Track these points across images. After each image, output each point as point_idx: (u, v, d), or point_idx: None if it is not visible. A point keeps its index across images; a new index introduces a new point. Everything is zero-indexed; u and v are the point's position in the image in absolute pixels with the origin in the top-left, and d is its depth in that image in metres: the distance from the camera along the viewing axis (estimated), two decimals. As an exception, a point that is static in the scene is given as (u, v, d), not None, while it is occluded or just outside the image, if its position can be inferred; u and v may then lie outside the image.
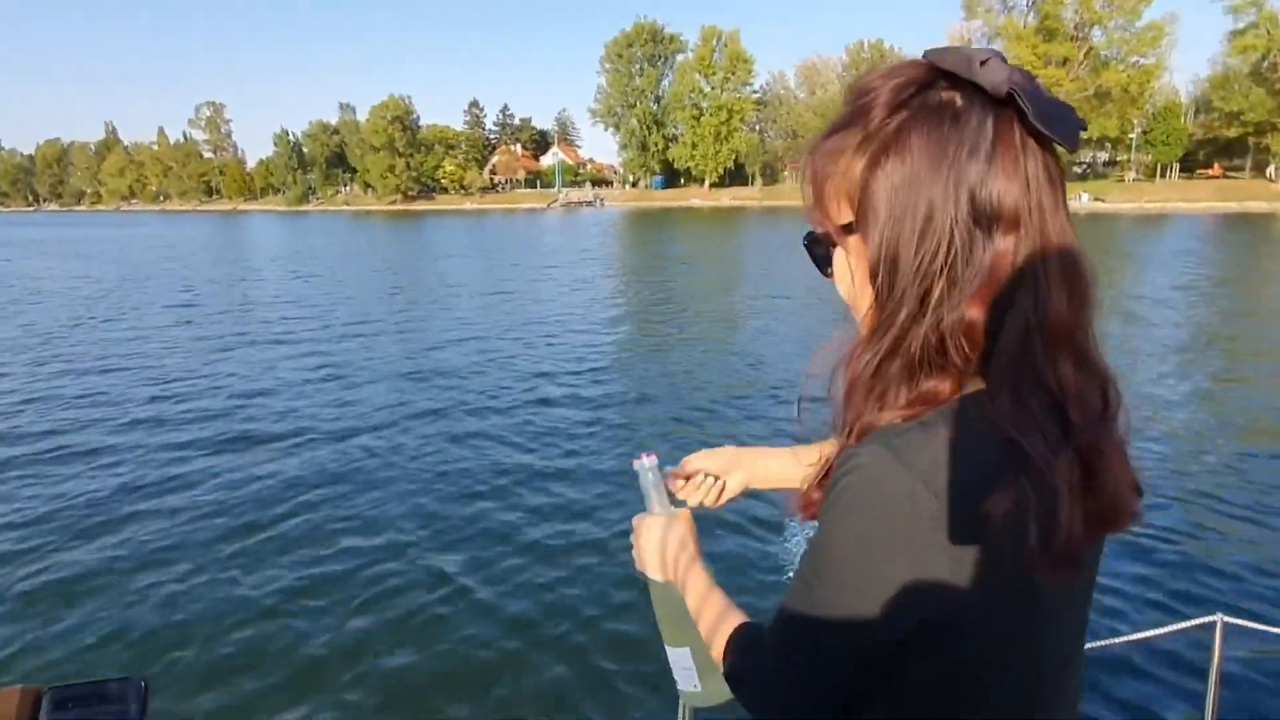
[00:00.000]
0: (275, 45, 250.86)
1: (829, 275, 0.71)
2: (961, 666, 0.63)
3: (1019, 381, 0.60)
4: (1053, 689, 0.68)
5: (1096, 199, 53.48)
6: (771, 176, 79.17)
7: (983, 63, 0.60)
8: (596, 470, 6.29)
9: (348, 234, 46.19)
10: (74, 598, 4.40)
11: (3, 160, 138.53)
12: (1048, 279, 0.60)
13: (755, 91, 79.14)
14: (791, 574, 0.69)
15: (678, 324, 13.43)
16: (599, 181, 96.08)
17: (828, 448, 0.73)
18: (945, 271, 0.60)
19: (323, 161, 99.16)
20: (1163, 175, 58.61)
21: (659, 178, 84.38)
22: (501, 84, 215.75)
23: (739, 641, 0.78)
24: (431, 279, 21.24)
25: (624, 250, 31.37)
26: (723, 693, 0.92)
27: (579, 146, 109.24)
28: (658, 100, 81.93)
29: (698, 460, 1.06)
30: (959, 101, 0.60)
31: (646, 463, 0.98)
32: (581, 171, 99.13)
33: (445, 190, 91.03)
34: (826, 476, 0.68)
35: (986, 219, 0.60)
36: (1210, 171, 58.84)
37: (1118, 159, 64.76)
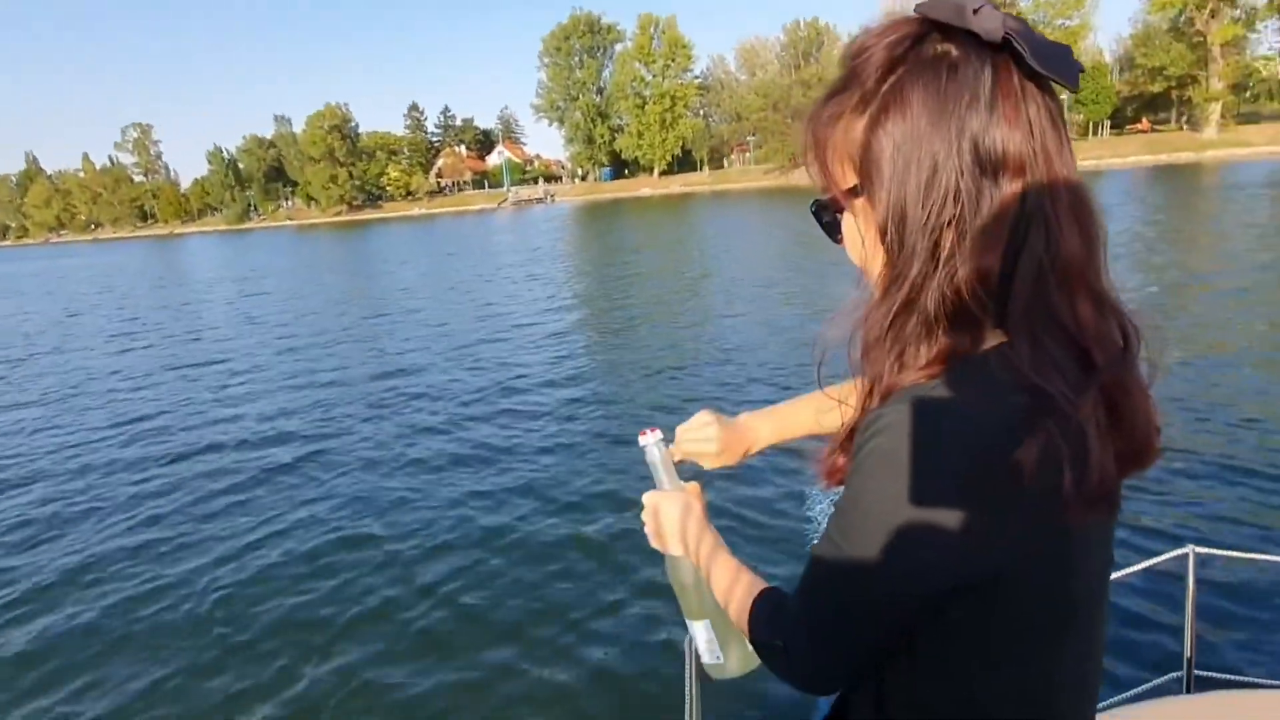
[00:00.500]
0: (200, 61, 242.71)
1: (839, 241, 0.71)
2: (997, 618, 0.63)
3: (1035, 325, 0.59)
4: (1086, 630, 0.69)
5: (1033, 160, 54.94)
6: (719, 161, 79.48)
7: (975, 10, 0.59)
8: (580, 459, 6.27)
9: (292, 249, 44.99)
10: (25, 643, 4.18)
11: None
12: (1059, 221, 0.60)
13: (697, 77, 79.26)
14: (815, 540, 0.69)
15: (641, 310, 13.38)
16: (548, 178, 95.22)
17: (848, 411, 0.73)
18: (954, 223, 0.60)
19: (260, 177, 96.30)
20: (1094, 133, 60.43)
21: (607, 169, 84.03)
22: (441, 85, 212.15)
23: (764, 608, 0.78)
24: (385, 287, 20.81)
25: (579, 244, 31.18)
26: (745, 664, 0.94)
27: (524, 144, 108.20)
28: (600, 91, 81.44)
29: (688, 441, 1.06)
30: (955, 52, 0.60)
31: (651, 438, 0.97)
32: (529, 169, 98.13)
33: (391, 197, 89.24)
34: (849, 440, 0.67)
35: (992, 167, 0.59)
36: (1139, 126, 60.88)
37: (1051, 120, 66.59)
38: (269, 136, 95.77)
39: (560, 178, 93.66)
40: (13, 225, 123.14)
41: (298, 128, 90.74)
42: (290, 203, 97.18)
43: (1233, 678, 2.03)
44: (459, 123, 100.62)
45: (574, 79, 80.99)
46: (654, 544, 0.96)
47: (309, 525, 5.46)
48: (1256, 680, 1.99)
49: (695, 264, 20.02)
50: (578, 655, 3.72)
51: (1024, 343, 0.59)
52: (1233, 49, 52.74)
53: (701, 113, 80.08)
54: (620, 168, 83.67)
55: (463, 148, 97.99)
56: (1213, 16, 51.28)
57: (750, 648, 0.82)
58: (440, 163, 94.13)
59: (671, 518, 0.93)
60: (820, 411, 1.03)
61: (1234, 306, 9.85)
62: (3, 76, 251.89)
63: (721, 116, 78.47)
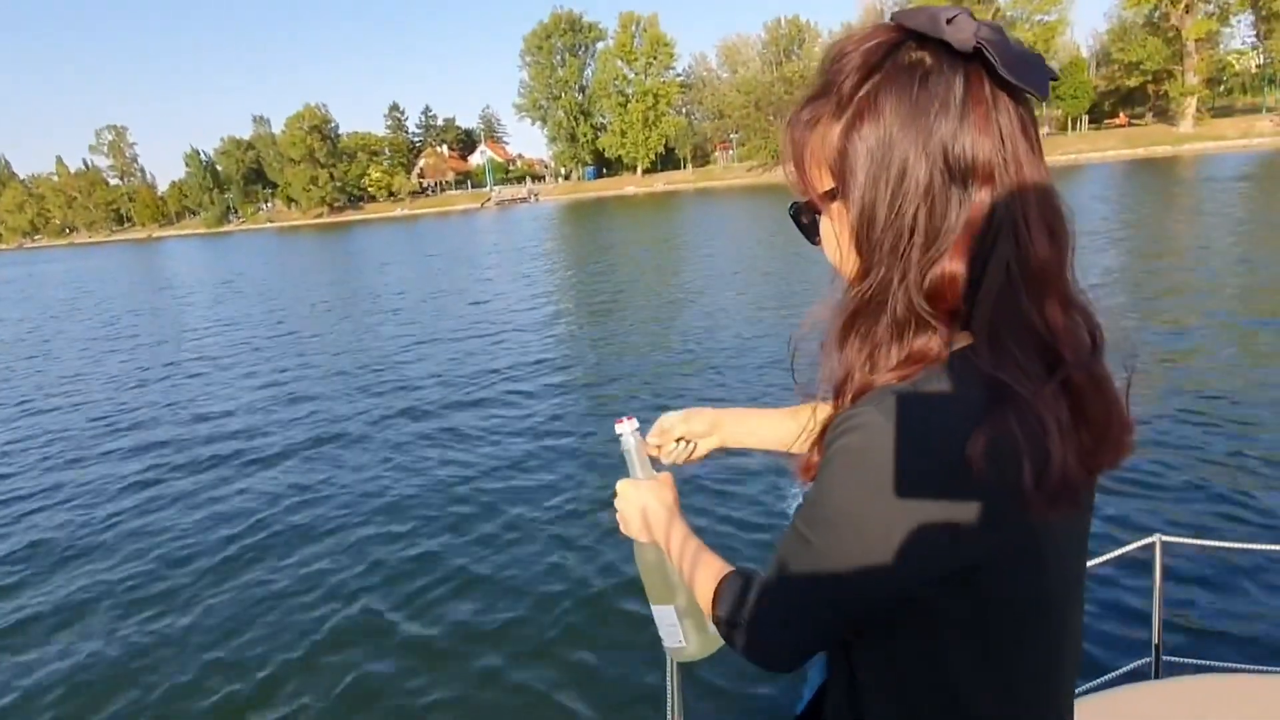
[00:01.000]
0: (175, 62, 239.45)
1: (816, 243, 0.72)
2: (967, 611, 0.64)
3: (1000, 326, 0.61)
4: (1059, 624, 0.70)
5: (1014, 155, 55.49)
6: (703, 159, 79.54)
7: (949, 20, 0.60)
8: (567, 451, 6.30)
9: (274, 252, 44.53)
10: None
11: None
12: (1028, 227, 0.61)
13: (679, 75, 79.28)
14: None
15: (628, 305, 13.38)
16: (532, 177, 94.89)
17: (821, 411, 0.74)
18: (924, 228, 0.61)
19: (240, 179, 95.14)
20: (1073, 128, 61.07)
21: (591, 168, 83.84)
22: (421, 85, 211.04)
23: (729, 588, 0.80)
24: (371, 288, 20.63)
25: (564, 243, 31.11)
26: (706, 648, 0.96)
27: (507, 143, 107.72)
28: (582, 90, 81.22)
29: (669, 422, 1.07)
30: (928, 60, 0.61)
31: (627, 427, 0.99)
32: (512, 168, 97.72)
33: (373, 198, 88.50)
34: (822, 437, 0.69)
35: (961, 174, 0.60)
36: (1117, 121, 61.60)
37: (1030, 115, 67.29)
38: (247, 138, 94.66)
39: (543, 177, 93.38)
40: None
41: (276, 129, 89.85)
42: (270, 205, 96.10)
43: (1199, 662, 2.07)
44: (440, 123, 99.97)
45: (556, 78, 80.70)
46: (623, 530, 0.98)
47: (285, 523, 5.42)
48: (1222, 664, 2.03)
49: (680, 261, 20.02)
50: (559, 653, 3.72)
51: (986, 343, 0.61)
52: (1206, 43, 53.46)
53: (684, 111, 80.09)
54: (603, 166, 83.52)
55: (445, 148, 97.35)
56: (1187, 11, 51.95)
57: (711, 632, 0.86)
58: (422, 163, 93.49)
59: (641, 505, 0.95)
60: (787, 425, 1.04)
61: (1203, 295, 10.01)
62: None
63: (704, 114, 78.49)
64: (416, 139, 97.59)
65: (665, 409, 1.11)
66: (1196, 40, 52.20)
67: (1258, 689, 1.88)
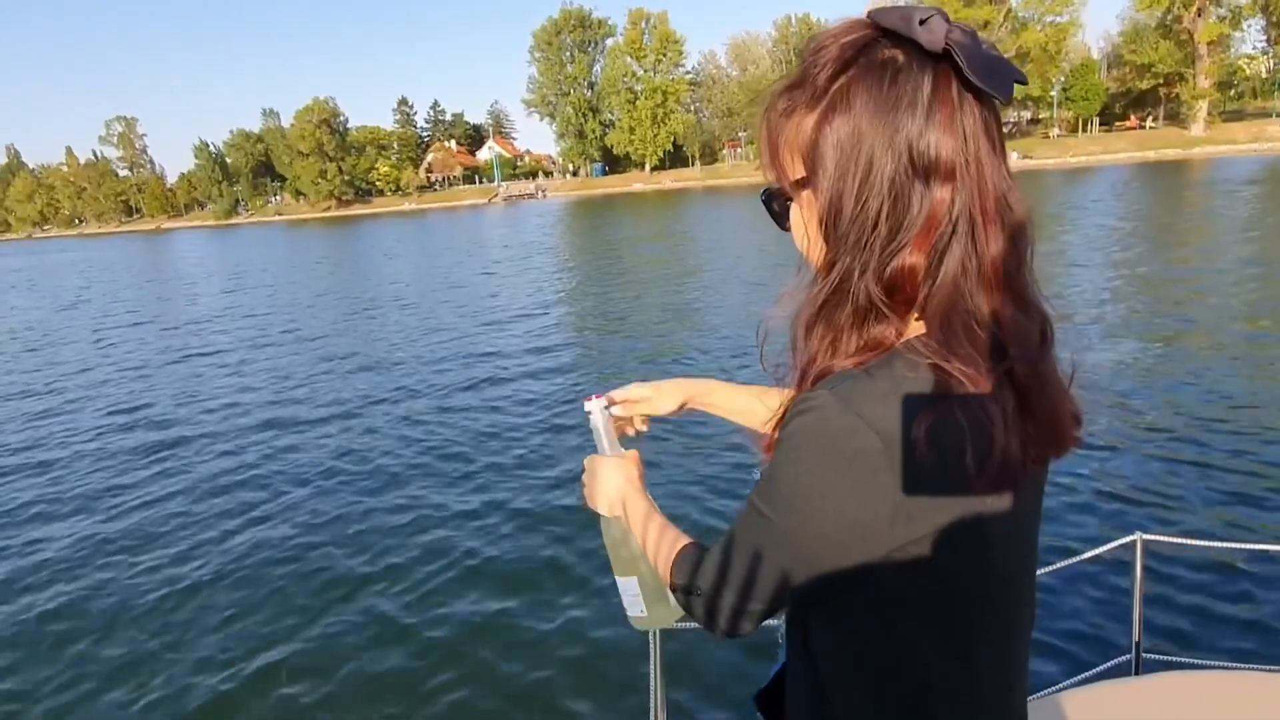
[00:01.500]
0: (185, 54, 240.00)
1: (786, 229, 0.74)
2: (916, 592, 0.67)
3: (950, 318, 0.63)
4: (1012, 608, 0.73)
5: (1025, 156, 55.20)
6: (711, 157, 79.35)
7: (922, 21, 0.61)
8: (556, 449, 6.32)
9: (284, 245, 44.67)
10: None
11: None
12: (985, 225, 0.63)
13: (688, 72, 78.95)
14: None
15: (635, 301, 13.44)
16: (540, 173, 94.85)
17: (789, 393, 0.76)
18: (886, 221, 0.64)
19: (249, 171, 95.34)
20: (1084, 130, 60.68)
21: (599, 165, 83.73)
22: (430, 80, 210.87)
23: (686, 560, 0.83)
24: (382, 281, 20.73)
25: (573, 238, 31.17)
26: (666, 619, 1.00)
27: (515, 139, 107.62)
28: (591, 86, 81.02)
29: (639, 391, 1.11)
30: (900, 58, 0.63)
31: (595, 404, 1.03)
32: (520, 164, 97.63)
33: (381, 192, 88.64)
34: (784, 418, 0.71)
35: (924, 170, 0.62)
36: (1128, 124, 61.21)
37: (1040, 116, 66.86)
38: (257, 131, 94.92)
39: (551, 173, 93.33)
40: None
41: (286, 122, 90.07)
42: (279, 198, 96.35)
43: (1179, 659, 2.12)
44: (449, 117, 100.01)
45: (565, 74, 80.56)
46: (589, 504, 1.01)
47: (279, 513, 5.53)
48: (1202, 661, 2.08)
49: (688, 258, 20.06)
50: (544, 642, 3.80)
51: (938, 333, 0.63)
52: (1218, 47, 53.09)
53: (693, 108, 79.88)
54: (611, 163, 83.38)
55: (453, 143, 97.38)
56: (1199, 15, 51.60)
57: (672, 604, 0.90)
58: (430, 158, 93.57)
59: (606, 480, 0.98)
60: (753, 402, 1.08)
61: (1203, 295, 10.02)
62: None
63: (713, 112, 78.30)
64: (425, 133, 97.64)
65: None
66: (1208, 44, 51.83)
67: (1236, 685, 1.92)
